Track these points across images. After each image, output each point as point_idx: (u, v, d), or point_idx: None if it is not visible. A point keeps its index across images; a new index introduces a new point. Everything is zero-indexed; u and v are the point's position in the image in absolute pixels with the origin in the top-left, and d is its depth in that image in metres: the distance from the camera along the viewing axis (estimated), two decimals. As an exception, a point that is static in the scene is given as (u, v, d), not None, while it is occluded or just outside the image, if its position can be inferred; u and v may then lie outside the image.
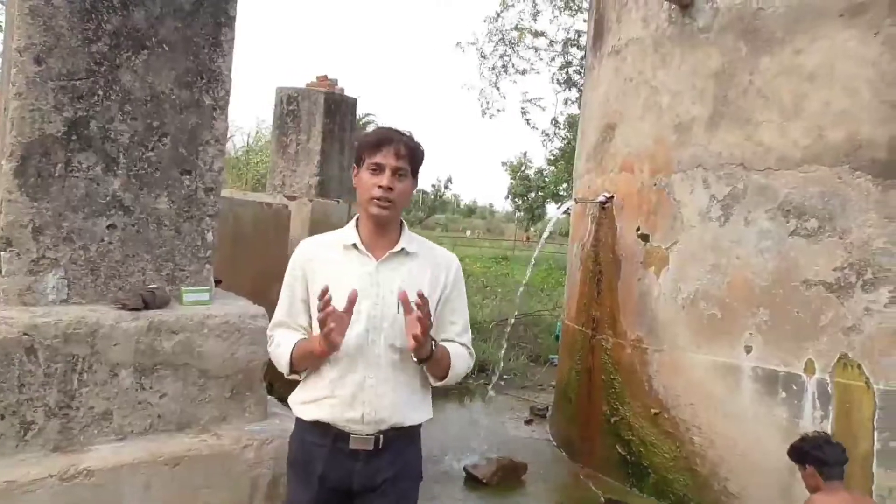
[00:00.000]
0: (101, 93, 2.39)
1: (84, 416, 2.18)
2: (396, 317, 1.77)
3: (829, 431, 3.53)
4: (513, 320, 4.95)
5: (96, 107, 2.38)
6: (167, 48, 2.51)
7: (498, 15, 12.76)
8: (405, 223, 1.94)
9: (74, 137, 2.35)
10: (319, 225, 5.43)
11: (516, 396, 6.31)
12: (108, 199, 2.40)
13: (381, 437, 1.79)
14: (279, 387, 4.44)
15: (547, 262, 17.09)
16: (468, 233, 41.39)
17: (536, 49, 13.18)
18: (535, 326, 8.31)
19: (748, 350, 3.80)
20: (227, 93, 2.65)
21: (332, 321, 1.65)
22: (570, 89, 13.76)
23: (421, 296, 1.65)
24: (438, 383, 1.89)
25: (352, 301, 1.68)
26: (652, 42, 4.38)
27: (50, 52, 2.31)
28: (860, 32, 3.53)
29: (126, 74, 2.44)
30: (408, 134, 1.86)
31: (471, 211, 57.11)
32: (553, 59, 13.52)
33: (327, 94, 6.65)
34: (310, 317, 1.86)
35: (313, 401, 1.80)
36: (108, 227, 2.41)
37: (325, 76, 7.12)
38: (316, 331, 1.77)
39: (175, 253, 2.56)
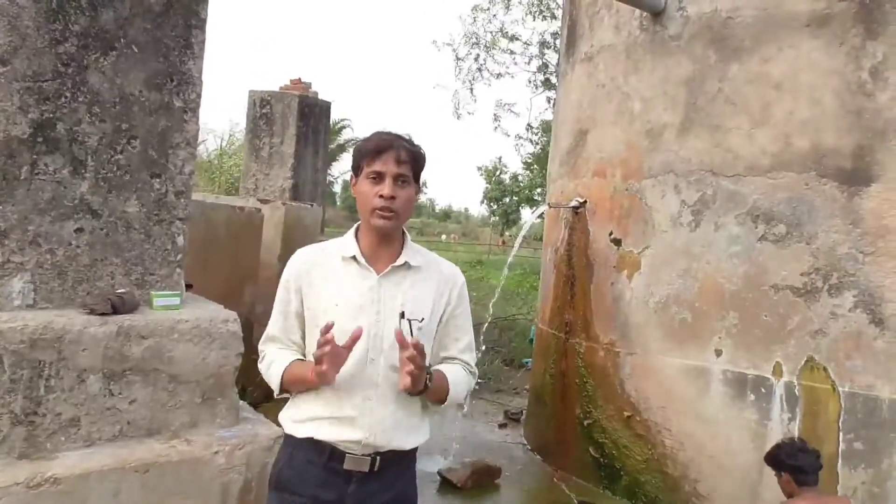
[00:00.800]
0: (68, 94, 2.35)
1: (51, 422, 2.13)
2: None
3: (796, 433, 3.61)
4: (486, 325, 4.94)
5: (63, 108, 2.34)
6: (136, 49, 2.47)
7: (474, 20, 12.83)
8: (407, 234, 1.84)
9: (41, 139, 2.30)
10: (292, 229, 5.39)
11: (490, 400, 6.33)
12: (75, 202, 2.36)
13: (378, 458, 1.70)
14: (252, 391, 4.42)
15: (521, 266, 17.18)
16: (444, 237, 40.99)
17: (512, 52, 13.26)
18: (510, 330, 8.34)
19: (718, 353, 3.87)
20: (199, 95, 2.62)
21: (329, 359, 1.57)
22: (549, 90, 13.85)
23: (416, 345, 1.58)
24: (438, 408, 1.81)
25: (354, 339, 1.59)
26: (624, 49, 4.44)
27: (15, 52, 2.26)
28: (825, 43, 3.62)
29: (94, 76, 2.40)
30: (408, 138, 1.77)
31: (446, 215, 57.11)
32: (529, 61, 13.63)
33: (301, 97, 6.62)
34: (304, 332, 1.78)
35: (309, 419, 1.71)
36: (75, 230, 2.36)
37: (299, 79, 7.09)
38: (311, 347, 1.70)
39: (145, 257, 2.52)
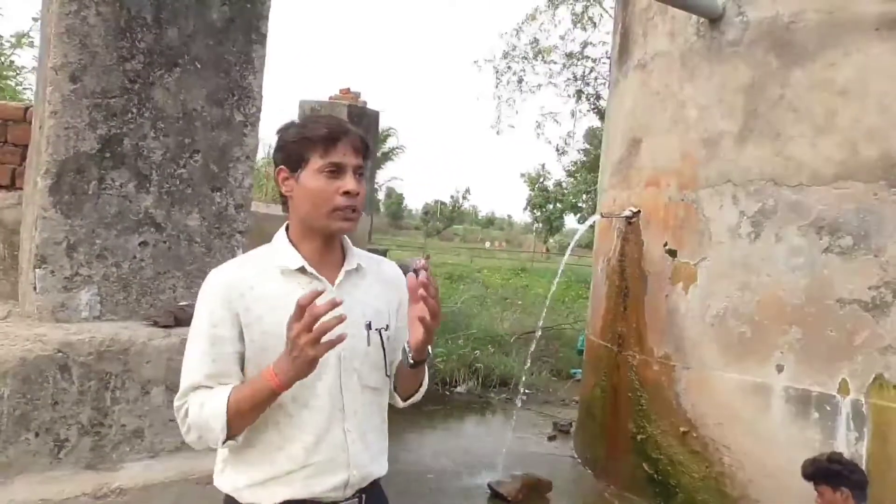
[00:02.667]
0: (134, 110, 2.41)
1: (116, 433, 2.18)
2: (367, 350, 1.45)
3: (863, 454, 3.45)
4: (539, 333, 4.88)
5: (130, 124, 2.40)
6: (199, 66, 2.53)
7: (517, 31, 12.81)
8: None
9: (108, 155, 2.36)
10: (342, 238, 5.42)
11: (539, 412, 6.25)
12: (140, 216, 2.42)
13: (363, 496, 1.46)
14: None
15: (566, 274, 17.01)
16: (487, 244, 40.43)
17: (552, 63, 13.20)
18: (557, 340, 8.24)
19: (780, 369, 3.73)
20: (258, 109, 2.66)
21: (315, 333, 1.22)
22: (579, 101, 13.74)
23: (426, 268, 1.34)
24: (405, 403, 1.59)
25: (333, 304, 1.24)
26: (679, 56, 4.34)
27: (85, 70, 2.33)
28: (894, 45, 3.47)
29: (159, 92, 2.45)
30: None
31: (489, 222, 57.03)
32: (561, 71, 13.54)
33: (350, 106, 6.68)
34: (242, 374, 1.39)
35: (274, 478, 1.38)
36: (140, 244, 2.42)
37: (348, 88, 7.16)
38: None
39: (206, 269, 2.54)
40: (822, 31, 3.68)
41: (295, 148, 1.41)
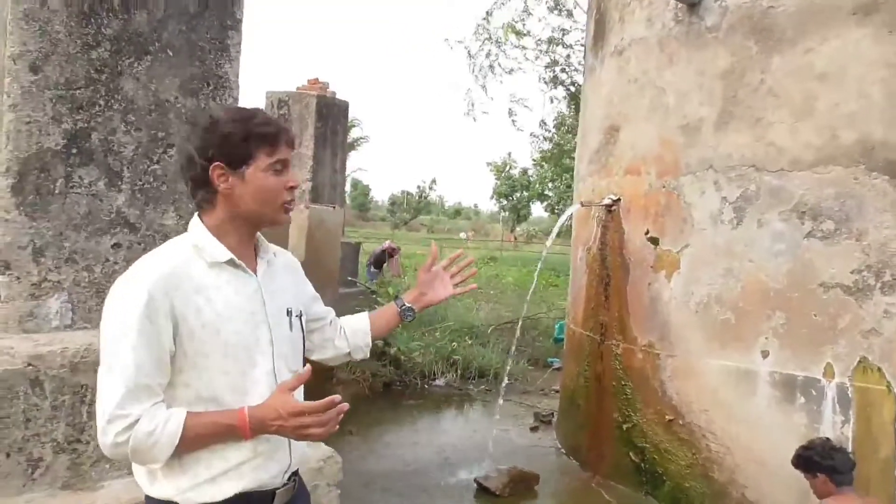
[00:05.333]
0: (102, 102, 2.25)
1: (94, 450, 2.04)
2: (291, 336, 1.51)
3: (849, 436, 3.49)
4: (520, 323, 4.83)
5: (97, 117, 2.24)
6: (171, 53, 2.37)
7: (488, 14, 12.66)
8: None
9: (75, 151, 2.20)
10: (315, 231, 5.29)
11: (519, 402, 6.22)
12: (112, 215, 2.26)
13: (296, 479, 1.53)
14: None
15: (535, 262, 17.06)
16: (462, 235, 37.33)
17: (523, 48, 13.09)
18: (533, 329, 8.22)
19: (765, 355, 3.74)
20: (236, 100, 2.52)
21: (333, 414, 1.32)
22: (556, 87, 13.70)
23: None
24: (366, 353, 1.77)
25: None
26: (657, 42, 4.30)
27: (47, 59, 2.16)
28: (873, 31, 3.48)
29: (128, 82, 2.29)
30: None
31: (456, 212, 56.87)
32: (537, 57, 13.45)
33: (319, 98, 6.50)
34: (169, 373, 1.34)
35: (223, 473, 1.36)
36: (112, 245, 2.26)
37: (317, 79, 6.97)
38: (181, 390, 1.35)
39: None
40: (801, 16, 3.67)
41: (242, 145, 1.39)
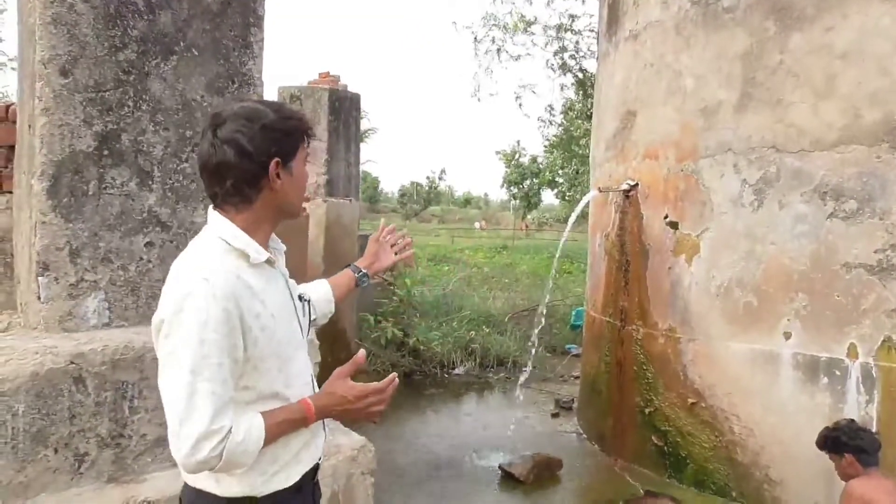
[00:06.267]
0: (130, 104, 2.27)
1: (137, 444, 2.08)
2: (305, 321, 1.58)
3: (874, 416, 3.49)
4: (542, 311, 4.84)
5: (127, 118, 2.27)
6: (196, 52, 2.39)
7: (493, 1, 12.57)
8: None
9: (106, 152, 2.23)
10: (333, 226, 5.31)
11: (539, 389, 6.25)
12: (144, 215, 2.29)
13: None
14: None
15: (548, 249, 17.03)
16: (476, 224, 36.38)
17: (531, 34, 13.00)
18: (550, 317, 8.23)
19: (787, 336, 3.74)
20: (260, 97, 2.54)
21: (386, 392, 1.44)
22: (564, 74, 13.61)
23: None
24: (325, 321, 1.83)
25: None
26: (673, 25, 4.28)
27: (76, 62, 2.19)
28: (895, 7, 3.44)
29: (155, 83, 2.32)
30: None
31: (466, 201, 56.68)
32: (547, 44, 13.36)
33: (331, 91, 6.51)
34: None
35: (288, 462, 1.43)
36: (145, 244, 2.30)
37: (328, 72, 6.98)
38: (241, 393, 1.34)
39: (214, 267, 2.46)
40: (820, -6, 3.63)
41: (290, 139, 1.39)
